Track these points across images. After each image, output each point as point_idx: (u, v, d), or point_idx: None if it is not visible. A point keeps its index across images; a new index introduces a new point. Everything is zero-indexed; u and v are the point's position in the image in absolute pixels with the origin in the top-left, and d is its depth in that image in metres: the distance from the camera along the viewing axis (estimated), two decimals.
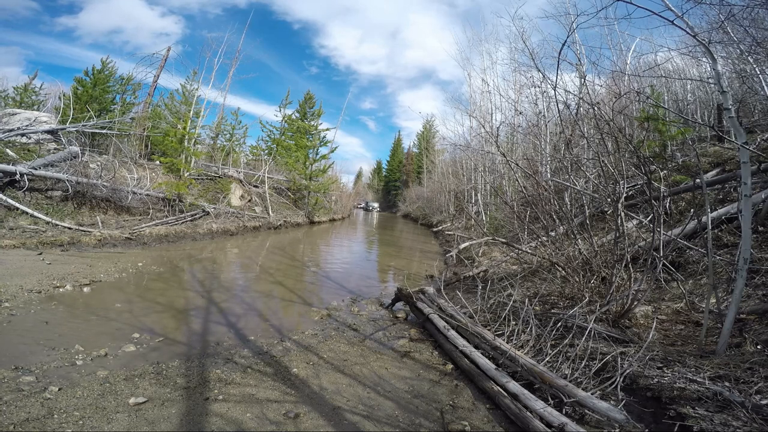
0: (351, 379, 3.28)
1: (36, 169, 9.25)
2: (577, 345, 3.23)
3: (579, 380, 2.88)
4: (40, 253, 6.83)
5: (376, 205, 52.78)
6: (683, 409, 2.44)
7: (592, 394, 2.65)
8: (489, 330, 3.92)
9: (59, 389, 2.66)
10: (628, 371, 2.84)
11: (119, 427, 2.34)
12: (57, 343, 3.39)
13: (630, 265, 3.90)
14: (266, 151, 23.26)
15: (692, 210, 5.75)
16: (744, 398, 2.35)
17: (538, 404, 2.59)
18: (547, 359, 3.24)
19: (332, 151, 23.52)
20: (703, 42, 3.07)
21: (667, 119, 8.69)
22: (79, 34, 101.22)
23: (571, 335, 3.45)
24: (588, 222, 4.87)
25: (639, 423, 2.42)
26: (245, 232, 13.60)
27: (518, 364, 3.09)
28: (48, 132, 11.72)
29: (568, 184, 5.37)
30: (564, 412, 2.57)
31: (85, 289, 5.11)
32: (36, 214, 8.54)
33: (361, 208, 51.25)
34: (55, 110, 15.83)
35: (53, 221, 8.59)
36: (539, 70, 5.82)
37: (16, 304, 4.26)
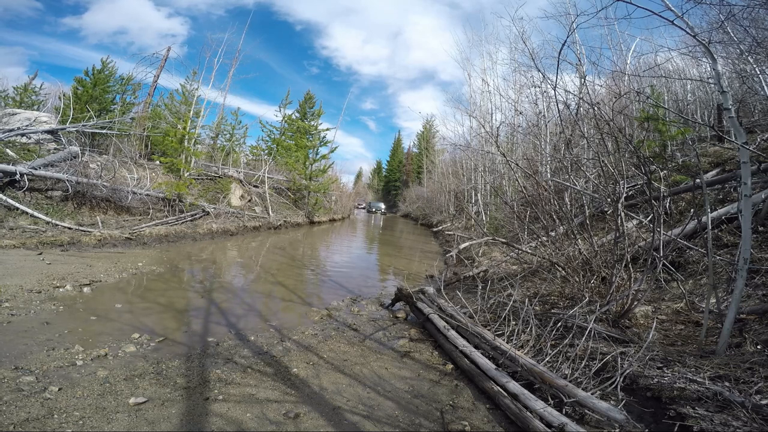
0: (351, 379, 3.28)
1: (36, 169, 9.25)
2: (577, 345, 3.23)
3: (579, 380, 2.88)
4: (40, 253, 6.83)
5: (381, 206, 43.66)
6: (683, 409, 2.44)
7: (592, 394, 2.65)
8: (489, 330, 3.92)
9: (59, 389, 2.66)
10: (628, 371, 2.84)
11: (119, 427, 2.34)
12: (57, 343, 3.39)
13: (630, 265, 3.90)
14: (266, 151, 23.25)
15: (692, 210, 5.75)
16: (744, 398, 2.35)
17: (538, 404, 2.59)
18: (547, 359, 3.24)
19: (332, 151, 23.48)
20: (703, 42, 3.07)
21: (667, 119, 8.70)
22: (84, 35, 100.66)
23: (571, 335, 3.45)
24: (588, 222, 4.88)
25: (639, 423, 2.41)
26: (245, 232, 13.59)
27: (518, 364, 3.09)
28: (48, 132, 11.72)
29: (568, 184, 5.38)
30: (564, 412, 2.57)
31: (85, 290, 5.10)
32: (36, 214, 8.54)
33: (362, 209, 44.31)
34: (55, 110, 15.81)
35: (53, 221, 8.58)
36: (539, 71, 5.81)
37: (16, 304, 4.25)
